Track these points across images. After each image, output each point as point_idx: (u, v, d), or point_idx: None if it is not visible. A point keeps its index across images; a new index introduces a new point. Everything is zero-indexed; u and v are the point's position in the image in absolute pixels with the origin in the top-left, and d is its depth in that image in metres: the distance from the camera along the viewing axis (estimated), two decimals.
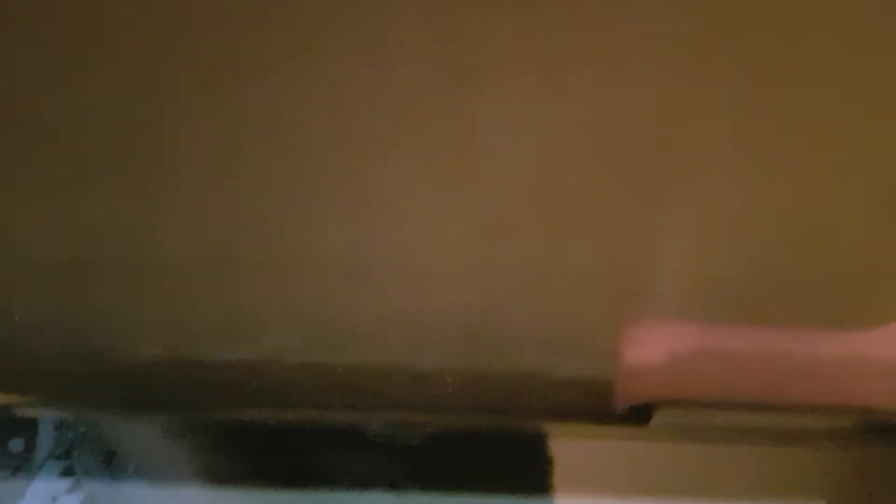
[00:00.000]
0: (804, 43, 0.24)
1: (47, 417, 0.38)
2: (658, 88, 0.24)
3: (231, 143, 0.24)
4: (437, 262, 0.24)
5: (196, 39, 0.24)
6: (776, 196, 0.24)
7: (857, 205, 0.24)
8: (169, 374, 0.24)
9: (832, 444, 0.24)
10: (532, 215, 0.24)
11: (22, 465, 0.46)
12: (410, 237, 0.24)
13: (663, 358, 0.25)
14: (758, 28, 0.24)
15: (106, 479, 0.46)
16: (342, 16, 0.24)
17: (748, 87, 0.24)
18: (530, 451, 0.25)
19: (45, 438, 0.43)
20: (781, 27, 0.24)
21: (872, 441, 0.24)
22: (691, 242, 0.24)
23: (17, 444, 0.44)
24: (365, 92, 0.24)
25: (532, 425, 0.24)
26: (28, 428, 0.44)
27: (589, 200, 0.24)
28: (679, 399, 0.24)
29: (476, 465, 0.29)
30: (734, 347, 0.25)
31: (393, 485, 0.33)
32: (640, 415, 0.24)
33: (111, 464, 0.44)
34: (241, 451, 0.36)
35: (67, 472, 0.47)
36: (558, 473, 0.24)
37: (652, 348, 0.25)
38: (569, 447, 0.24)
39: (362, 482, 0.34)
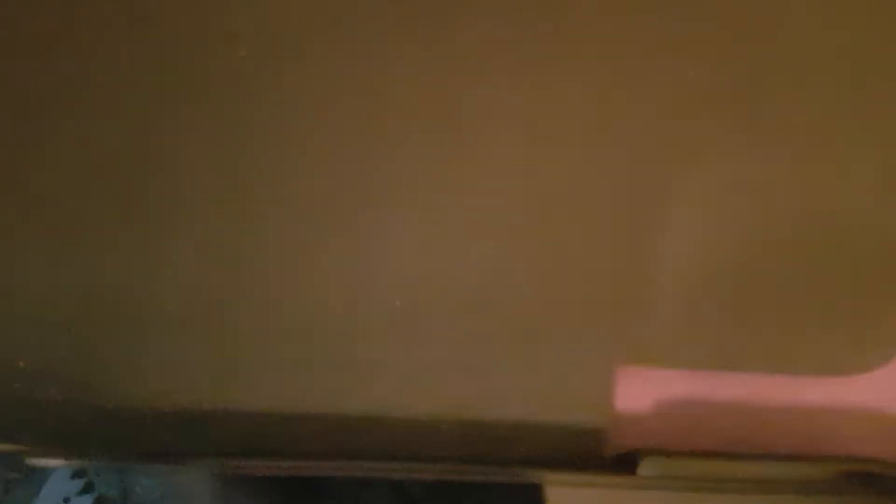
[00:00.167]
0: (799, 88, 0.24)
1: (52, 465, 0.39)
2: (649, 145, 0.24)
3: (229, 199, 0.24)
4: (430, 314, 0.24)
5: (195, 103, 0.24)
6: (765, 252, 0.24)
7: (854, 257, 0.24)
8: (168, 423, 0.25)
9: (818, 493, 0.25)
10: (522, 268, 0.24)
11: (35, 467, 0.47)
12: (403, 291, 0.24)
13: (651, 407, 0.25)
14: (754, 73, 0.23)
15: (116, 480, 0.47)
16: (335, 75, 0.24)
17: (738, 138, 0.24)
18: (530, 495, 0.25)
19: None
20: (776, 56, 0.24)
21: (857, 490, 0.25)
22: (678, 294, 0.24)
23: None
24: (355, 152, 0.24)
25: (521, 473, 0.25)
26: None
27: (580, 255, 0.24)
28: (666, 448, 0.24)
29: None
30: (722, 395, 0.25)
31: None
32: (627, 463, 0.24)
33: (121, 465, 0.45)
34: (245, 487, 0.37)
35: (79, 474, 0.48)
36: None
37: (640, 397, 0.25)
38: (556, 495, 0.25)
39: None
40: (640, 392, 0.25)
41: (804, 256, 0.24)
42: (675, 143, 0.24)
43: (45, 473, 0.47)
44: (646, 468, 0.24)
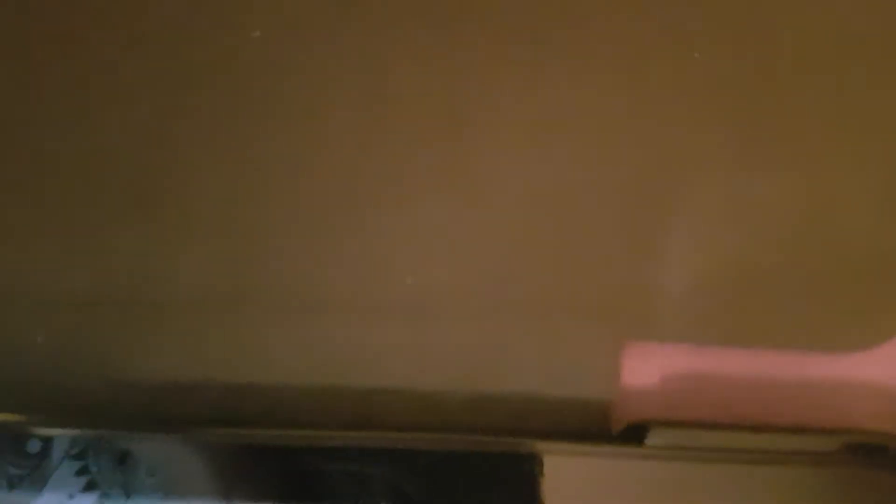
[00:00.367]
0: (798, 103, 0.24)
1: (62, 436, 0.39)
2: (657, 131, 0.25)
3: (241, 187, 0.25)
4: (439, 294, 0.25)
5: (210, 90, 0.25)
6: (769, 230, 0.25)
7: (858, 251, 0.25)
8: (181, 395, 0.25)
9: (823, 464, 0.25)
10: (531, 247, 0.25)
11: (39, 465, 0.47)
12: (413, 271, 0.25)
13: (658, 379, 0.25)
14: (753, 84, 0.24)
15: (120, 478, 0.47)
16: (351, 67, 0.24)
17: (746, 130, 0.25)
18: (527, 470, 0.25)
19: (62, 439, 0.44)
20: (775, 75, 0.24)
21: (862, 462, 0.25)
22: (687, 274, 0.25)
23: (34, 445, 0.45)
24: (370, 135, 0.24)
25: (527, 445, 0.25)
26: None
27: (586, 233, 0.25)
28: (673, 420, 0.25)
29: (474, 484, 0.30)
30: (728, 369, 0.25)
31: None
32: (634, 435, 0.24)
33: (125, 464, 0.45)
34: (249, 469, 0.37)
35: (82, 472, 0.48)
36: (554, 492, 0.25)
37: (647, 370, 0.25)
38: (564, 466, 0.25)
39: (366, 500, 0.35)
40: (646, 367, 0.26)
41: (809, 240, 0.25)
42: (683, 139, 0.25)
43: (48, 471, 0.47)
44: (653, 439, 0.24)
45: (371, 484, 0.37)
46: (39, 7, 0.25)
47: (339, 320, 0.25)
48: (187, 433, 0.26)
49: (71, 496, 0.46)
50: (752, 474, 0.25)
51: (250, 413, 0.25)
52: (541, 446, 0.25)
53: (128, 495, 0.47)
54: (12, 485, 0.47)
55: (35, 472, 0.47)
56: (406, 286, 0.25)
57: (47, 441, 0.43)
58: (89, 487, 0.47)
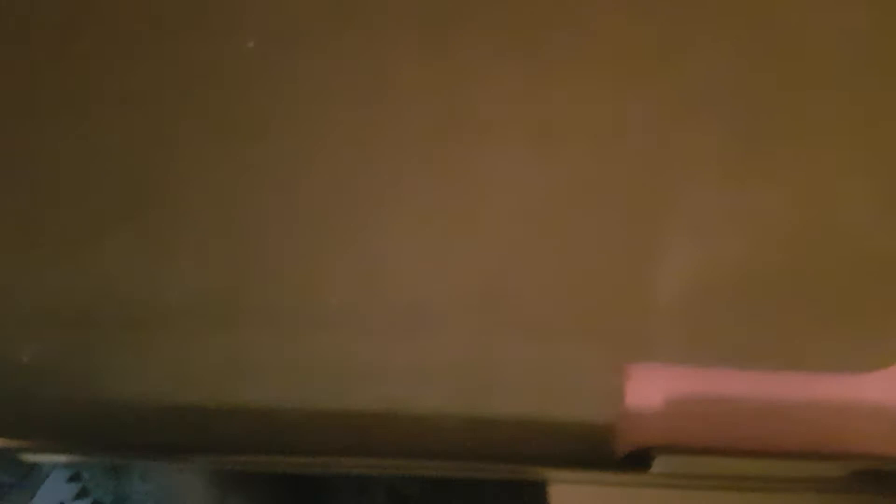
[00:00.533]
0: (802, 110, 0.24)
1: (51, 463, 0.38)
2: (656, 146, 0.24)
3: (234, 198, 0.24)
4: (437, 311, 0.24)
5: (203, 100, 0.24)
6: (772, 250, 0.24)
7: (857, 261, 0.24)
8: (171, 416, 0.24)
9: (832, 491, 0.24)
10: (531, 265, 0.24)
11: (30, 471, 0.47)
12: (410, 287, 0.24)
13: (662, 404, 0.25)
14: (755, 85, 0.24)
15: (112, 485, 0.46)
16: (346, 77, 0.24)
17: (745, 144, 0.24)
18: (529, 497, 0.25)
19: None
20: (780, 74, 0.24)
21: (871, 489, 0.24)
22: (688, 290, 0.24)
23: None
24: (366, 149, 0.24)
25: (530, 471, 0.25)
26: None
27: (588, 251, 0.24)
28: (678, 446, 0.24)
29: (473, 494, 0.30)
30: (731, 392, 0.25)
31: None
32: (639, 461, 0.24)
33: (118, 471, 0.45)
34: (244, 475, 0.36)
35: (74, 479, 0.48)
36: None
37: (651, 394, 0.25)
38: (567, 493, 0.25)
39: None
40: (650, 389, 0.25)
41: (813, 260, 0.24)
42: (683, 153, 0.24)
43: (39, 478, 0.46)
44: (659, 466, 0.24)
45: (370, 487, 0.37)
46: (31, 17, 0.25)
47: (333, 338, 0.25)
48: (177, 459, 0.26)
49: (62, 503, 0.46)
50: (759, 501, 0.25)
51: (241, 434, 0.25)
52: (542, 473, 0.25)
53: (120, 503, 0.47)
54: (3, 493, 0.46)
55: (26, 480, 0.47)
56: (402, 303, 0.24)
57: None
58: (81, 495, 0.46)
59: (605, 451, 0.24)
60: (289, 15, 0.24)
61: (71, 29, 0.25)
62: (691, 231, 0.24)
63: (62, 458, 0.28)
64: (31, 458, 0.26)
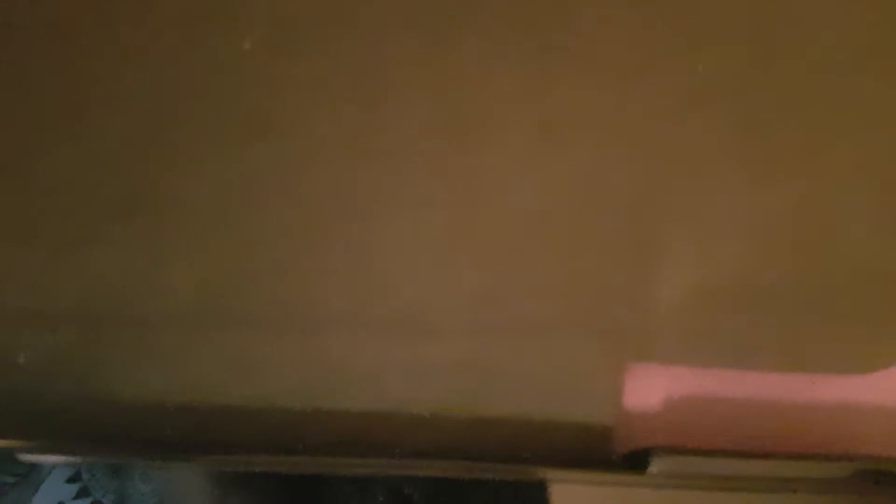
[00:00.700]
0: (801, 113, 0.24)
1: (50, 463, 0.38)
2: (657, 147, 0.24)
3: (232, 198, 0.24)
4: (436, 311, 0.24)
5: (199, 101, 0.24)
6: (774, 250, 0.24)
7: (860, 270, 0.24)
8: (168, 417, 0.24)
9: (832, 492, 0.24)
10: (530, 265, 0.24)
11: (31, 471, 0.47)
12: (409, 287, 0.24)
13: (661, 404, 0.25)
14: (756, 86, 0.24)
15: (112, 485, 0.46)
16: (344, 77, 0.24)
17: (747, 148, 0.24)
18: (527, 497, 0.25)
19: None
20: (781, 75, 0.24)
21: (872, 490, 0.24)
22: (688, 291, 0.24)
23: None
24: (365, 148, 0.24)
25: (529, 471, 0.25)
26: None
27: (588, 251, 0.24)
28: (677, 446, 0.24)
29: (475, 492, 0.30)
30: (732, 392, 0.25)
31: None
32: (638, 461, 0.24)
33: (118, 470, 0.45)
34: (245, 475, 0.36)
35: (74, 479, 0.48)
36: None
37: (651, 394, 0.25)
38: (566, 493, 0.25)
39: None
40: (650, 389, 0.25)
41: (815, 260, 0.24)
42: (686, 155, 0.24)
43: (39, 477, 0.46)
44: (657, 466, 0.23)
45: (371, 486, 0.37)
46: (28, 18, 0.25)
47: (332, 337, 0.24)
48: (175, 459, 0.25)
49: (62, 503, 0.46)
50: (758, 502, 0.24)
51: (239, 434, 0.25)
52: (542, 473, 0.24)
53: (121, 503, 0.47)
54: (3, 492, 0.46)
55: (26, 479, 0.47)
56: (402, 303, 0.24)
57: None
58: (81, 494, 0.46)
59: (604, 451, 0.24)
60: (286, 16, 0.24)
61: (67, 30, 0.24)
62: (692, 232, 0.24)
63: (59, 459, 0.28)
64: (28, 458, 0.26)
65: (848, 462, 0.24)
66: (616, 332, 0.24)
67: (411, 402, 0.24)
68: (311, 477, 0.36)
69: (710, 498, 0.24)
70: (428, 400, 0.24)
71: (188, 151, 0.24)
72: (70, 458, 0.29)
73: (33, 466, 0.45)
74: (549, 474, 0.24)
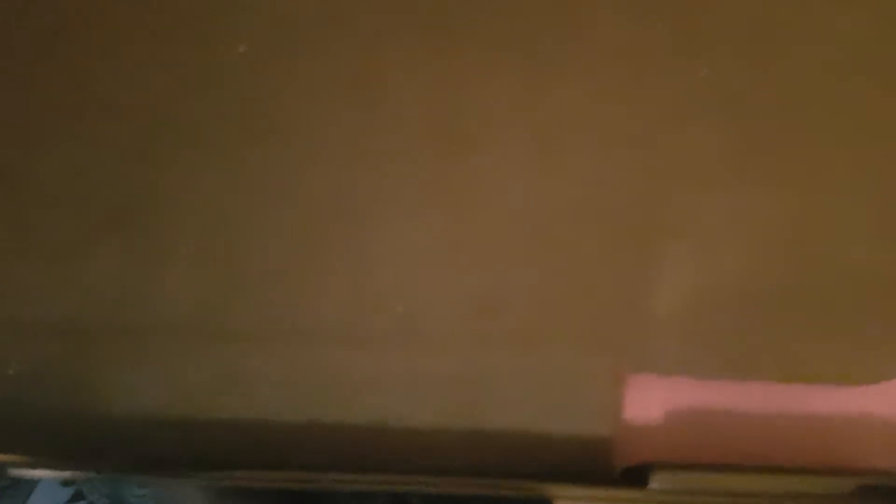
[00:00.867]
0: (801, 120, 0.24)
1: (42, 477, 0.38)
2: (655, 155, 0.24)
3: (226, 209, 0.24)
4: (433, 324, 0.24)
5: (193, 107, 0.24)
6: (773, 261, 0.24)
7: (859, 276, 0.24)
8: (160, 430, 0.24)
9: None
10: (528, 276, 0.24)
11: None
12: (406, 298, 0.24)
13: (660, 415, 0.25)
14: (754, 92, 0.23)
15: (106, 489, 0.46)
16: (340, 82, 0.23)
17: (744, 156, 0.24)
18: None
19: None
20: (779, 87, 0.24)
21: (871, 503, 0.24)
22: (687, 302, 0.24)
23: None
24: (360, 159, 0.24)
25: (528, 487, 0.24)
26: None
27: (586, 261, 0.24)
28: (677, 462, 0.24)
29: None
30: (732, 404, 0.25)
31: None
32: (637, 477, 0.24)
33: (113, 478, 0.44)
34: (239, 500, 0.36)
35: (69, 483, 0.47)
36: None
37: (649, 406, 0.25)
38: None
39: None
40: (649, 401, 0.25)
41: (812, 269, 0.24)
42: (684, 165, 0.24)
43: (33, 482, 0.46)
44: (657, 482, 0.23)
45: (371, 495, 0.37)
46: (23, 25, 0.24)
47: (328, 350, 0.24)
48: (167, 474, 0.25)
49: None
50: None
51: (233, 448, 0.24)
52: (539, 489, 0.24)
53: None
54: None
55: (20, 483, 0.46)
56: (397, 315, 0.24)
57: None
58: (76, 499, 0.46)
59: (602, 465, 0.24)
60: (284, 23, 0.24)
61: (62, 37, 0.24)
62: (690, 243, 0.24)
63: (49, 474, 0.27)
64: (17, 473, 0.26)
65: (847, 477, 0.24)
66: (614, 343, 0.24)
67: (408, 416, 0.24)
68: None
69: None
70: (425, 413, 0.24)
71: (181, 161, 0.24)
72: (59, 474, 0.29)
73: None
74: (549, 490, 0.24)
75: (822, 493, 0.24)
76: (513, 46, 0.24)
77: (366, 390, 0.24)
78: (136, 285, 0.24)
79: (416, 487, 0.24)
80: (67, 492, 0.47)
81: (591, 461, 0.24)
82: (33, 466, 0.25)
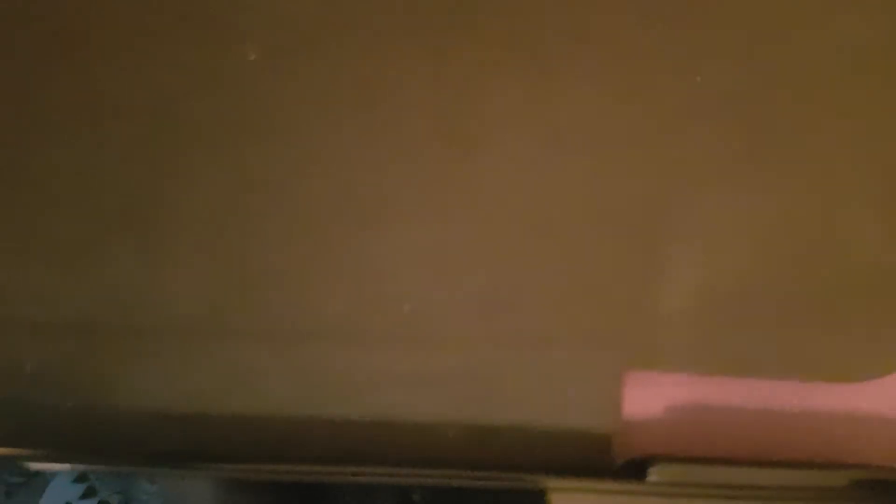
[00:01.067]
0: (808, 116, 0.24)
1: (54, 470, 0.39)
2: (659, 155, 0.24)
3: (233, 209, 0.24)
4: (437, 320, 0.24)
5: (203, 109, 0.24)
6: (775, 259, 0.24)
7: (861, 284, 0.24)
8: (171, 425, 0.25)
9: (830, 500, 0.24)
10: (531, 274, 0.24)
11: (37, 472, 0.47)
12: (410, 296, 0.24)
13: (661, 412, 0.25)
14: (757, 92, 0.24)
15: (118, 485, 0.47)
16: (343, 83, 0.24)
17: (748, 156, 0.24)
18: (528, 502, 0.25)
19: None
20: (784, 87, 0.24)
21: (870, 499, 0.24)
22: (689, 299, 0.24)
23: None
24: (366, 158, 0.24)
25: (529, 479, 0.25)
26: None
27: (589, 260, 0.24)
28: (677, 455, 0.24)
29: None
30: (732, 400, 0.25)
31: None
32: (637, 470, 0.24)
33: (125, 472, 0.45)
34: (248, 496, 0.37)
35: (81, 479, 0.48)
36: None
37: (650, 401, 0.25)
38: (566, 501, 0.25)
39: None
40: (650, 397, 0.25)
41: (814, 265, 0.24)
42: (686, 163, 0.24)
43: (46, 478, 0.47)
44: (656, 474, 0.24)
45: (377, 491, 0.37)
46: (25, 29, 0.25)
47: (334, 348, 0.25)
48: (179, 468, 0.26)
49: (69, 503, 0.47)
50: None
51: (244, 443, 0.25)
52: (541, 481, 0.25)
53: (127, 502, 0.47)
54: (11, 493, 0.47)
55: (34, 480, 0.47)
56: (403, 314, 0.25)
57: None
58: (88, 494, 0.47)
59: (604, 459, 0.24)
60: (287, 25, 0.24)
61: (73, 38, 0.25)
62: (692, 240, 0.24)
63: (64, 466, 0.28)
64: (34, 466, 0.27)
65: (847, 471, 0.24)
66: (617, 341, 0.25)
67: (412, 413, 0.24)
68: (315, 482, 0.36)
69: None
70: (430, 408, 0.25)
71: (191, 162, 0.24)
72: (74, 466, 0.30)
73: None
74: (549, 482, 0.25)
75: (818, 486, 0.24)
76: (517, 48, 0.24)
77: (372, 387, 0.25)
78: (147, 286, 0.25)
79: (419, 479, 0.25)
80: (80, 488, 0.47)
81: (593, 456, 0.24)
82: (49, 460, 0.26)
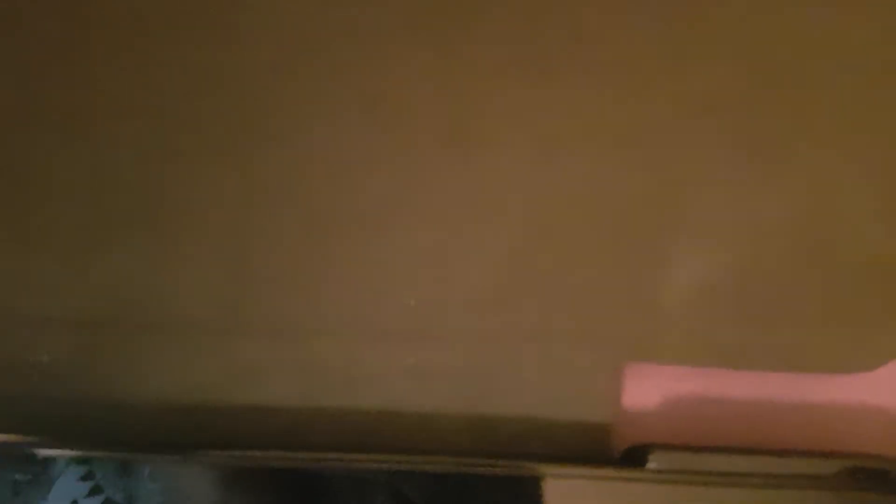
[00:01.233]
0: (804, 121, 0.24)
1: (61, 457, 0.39)
2: (658, 154, 0.25)
3: (238, 205, 0.25)
4: (438, 317, 0.25)
5: (209, 108, 0.25)
6: (771, 253, 0.25)
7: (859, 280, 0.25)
8: (180, 417, 0.25)
9: (824, 488, 0.25)
10: (533, 269, 0.25)
11: (44, 470, 0.47)
12: (414, 291, 0.25)
13: (659, 404, 0.25)
14: (756, 92, 0.24)
15: (123, 483, 0.47)
16: (346, 84, 0.24)
17: (746, 154, 0.25)
18: (525, 497, 0.26)
19: None
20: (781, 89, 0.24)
21: (863, 486, 0.25)
22: (687, 292, 0.25)
23: None
24: (369, 160, 0.24)
25: (526, 467, 0.25)
26: None
27: (588, 255, 0.25)
28: (674, 443, 0.25)
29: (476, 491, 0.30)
30: (729, 392, 0.25)
31: None
32: (636, 458, 0.24)
33: (129, 469, 0.45)
34: (249, 474, 0.37)
35: (87, 477, 0.48)
36: None
37: (648, 392, 0.25)
38: (564, 489, 0.25)
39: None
40: (648, 390, 0.26)
41: (810, 259, 0.25)
42: (684, 160, 0.25)
43: (52, 476, 0.47)
44: (655, 462, 0.24)
45: (373, 487, 0.37)
46: (33, 25, 0.25)
47: (338, 342, 0.25)
48: (185, 456, 0.26)
49: (75, 501, 0.47)
50: (753, 498, 0.25)
51: (248, 435, 0.25)
52: (541, 469, 0.25)
53: (131, 500, 0.47)
54: (17, 490, 0.47)
55: (40, 478, 0.47)
56: (406, 308, 0.25)
57: None
58: (94, 492, 0.47)
59: (602, 448, 0.25)
60: (292, 27, 0.25)
61: (78, 38, 0.25)
62: (691, 235, 0.25)
63: (73, 453, 0.28)
64: (43, 452, 0.27)
65: (840, 459, 0.25)
66: (617, 334, 0.25)
67: (413, 407, 0.25)
68: (313, 478, 0.36)
69: (708, 494, 0.25)
70: (430, 401, 0.25)
71: (198, 159, 0.25)
72: (82, 453, 0.30)
73: (47, 465, 0.46)
74: (547, 470, 0.25)
75: (814, 474, 0.25)
76: (518, 49, 0.24)
77: (372, 382, 0.25)
78: (153, 282, 0.25)
79: (417, 467, 0.25)
80: (85, 486, 0.48)
81: (592, 446, 0.25)
82: (56, 447, 0.26)
